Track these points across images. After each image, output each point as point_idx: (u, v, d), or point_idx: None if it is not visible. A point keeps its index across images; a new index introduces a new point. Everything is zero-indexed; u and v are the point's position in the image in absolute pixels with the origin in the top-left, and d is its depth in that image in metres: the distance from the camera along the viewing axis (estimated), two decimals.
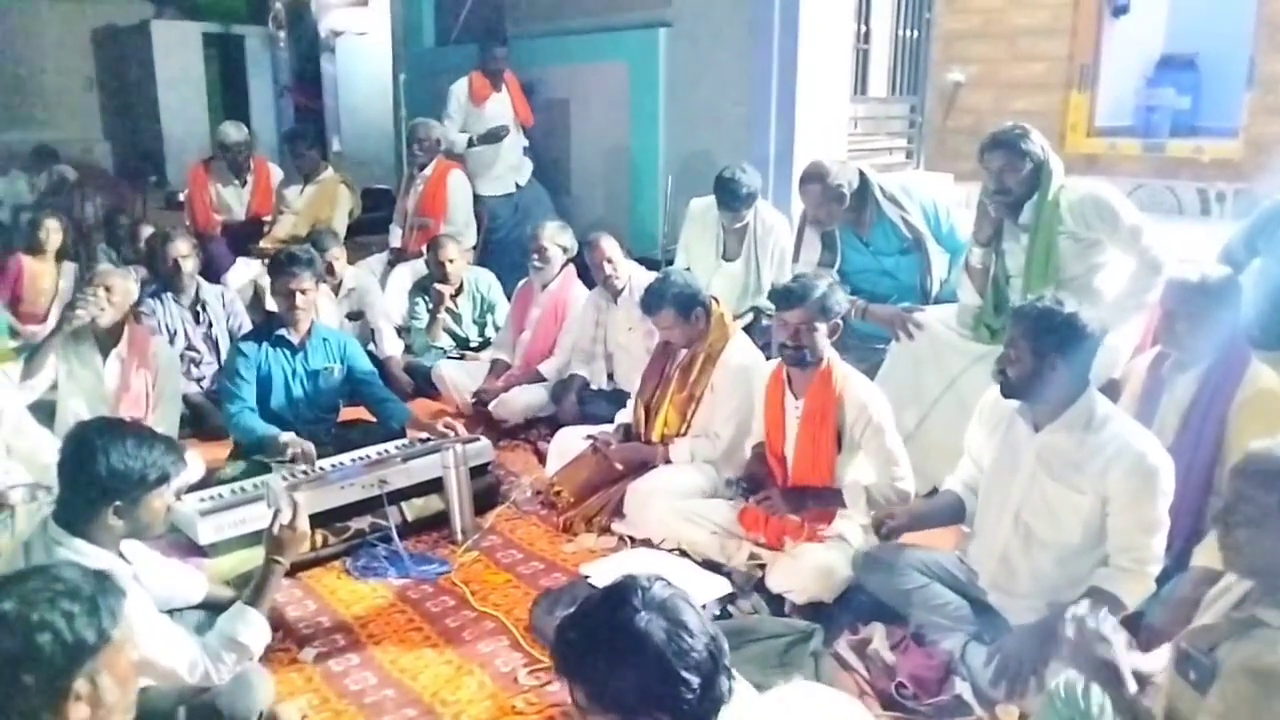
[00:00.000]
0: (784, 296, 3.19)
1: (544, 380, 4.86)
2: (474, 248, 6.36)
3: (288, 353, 4.07)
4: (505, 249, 6.35)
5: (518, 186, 6.65)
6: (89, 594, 1.54)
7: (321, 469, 3.71)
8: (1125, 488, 2.49)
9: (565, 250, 4.98)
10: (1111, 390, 3.41)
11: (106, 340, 3.96)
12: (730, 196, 4.67)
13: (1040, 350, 2.52)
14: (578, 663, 1.51)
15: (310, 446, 3.77)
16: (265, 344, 4.06)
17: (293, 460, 3.69)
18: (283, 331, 4.07)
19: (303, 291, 4.01)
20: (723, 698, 1.50)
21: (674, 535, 3.46)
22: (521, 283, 5.25)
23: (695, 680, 1.45)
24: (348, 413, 4.41)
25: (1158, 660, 2.14)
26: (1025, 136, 3.55)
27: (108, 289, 3.90)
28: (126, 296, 3.98)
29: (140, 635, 2.00)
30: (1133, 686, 1.87)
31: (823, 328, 3.14)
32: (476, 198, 6.39)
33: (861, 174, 4.16)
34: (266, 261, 4.83)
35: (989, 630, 2.70)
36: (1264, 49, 6.70)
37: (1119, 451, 2.50)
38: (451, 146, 6.39)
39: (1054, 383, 2.55)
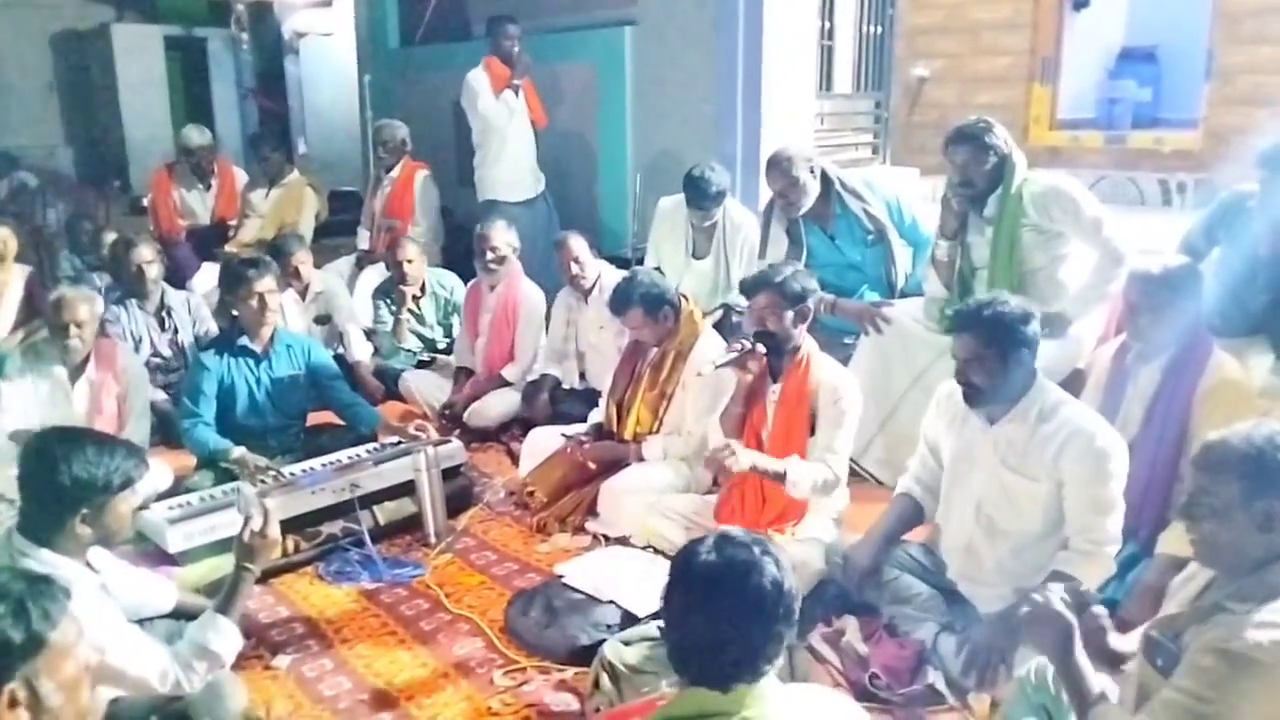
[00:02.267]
0: (749, 284, 3.23)
1: (510, 384, 4.83)
2: (441, 249, 6.31)
3: (251, 362, 4.02)
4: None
5: (536, 193, 6.15)
6: (16, 595, 1.50)
7: (292, 474, 3.69)
8: (1077, 471, 2.52)
9: (515, 250, 4.92)
10: (1076, 380, 3.45)
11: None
12: (700, 195, 4.68)
13: (1006, 353, 2.55)
14: (688, 565, 1.58)
15: (263, 461, 3.74)
16: (227, 355, 4.00)
17: (255, 472, 3.66)
18: (244, 341, 4.01)
19: (269, 293, 3.97)
20: (741, 673, 1.53)
21: (648, 532, 3.46)
22: (470, 284, 5.19)
23: (765, 637, 1.52)
24: (317, 417, 4.38)
25: (1130, 640, 2.16)
26: (989, 130, 3.59)
27: (78, 325, 3.77)
28: (94, 320, 3.87)
29: (108, 645, 1.98)
30: (1083, 661, 1.89)
31: (789, 313, 3.15)
32: (493, 203, 5.95)
33: (823, 170, 4.19)
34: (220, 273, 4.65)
35: (960, 619, 2.72)
36: (1221, 41, 6.81)
37: (1069, 436, 2.54)
38: (505, 125, 5.84)
39: (1015, 380, 2.59)
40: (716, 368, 3.22)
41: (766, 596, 1.52)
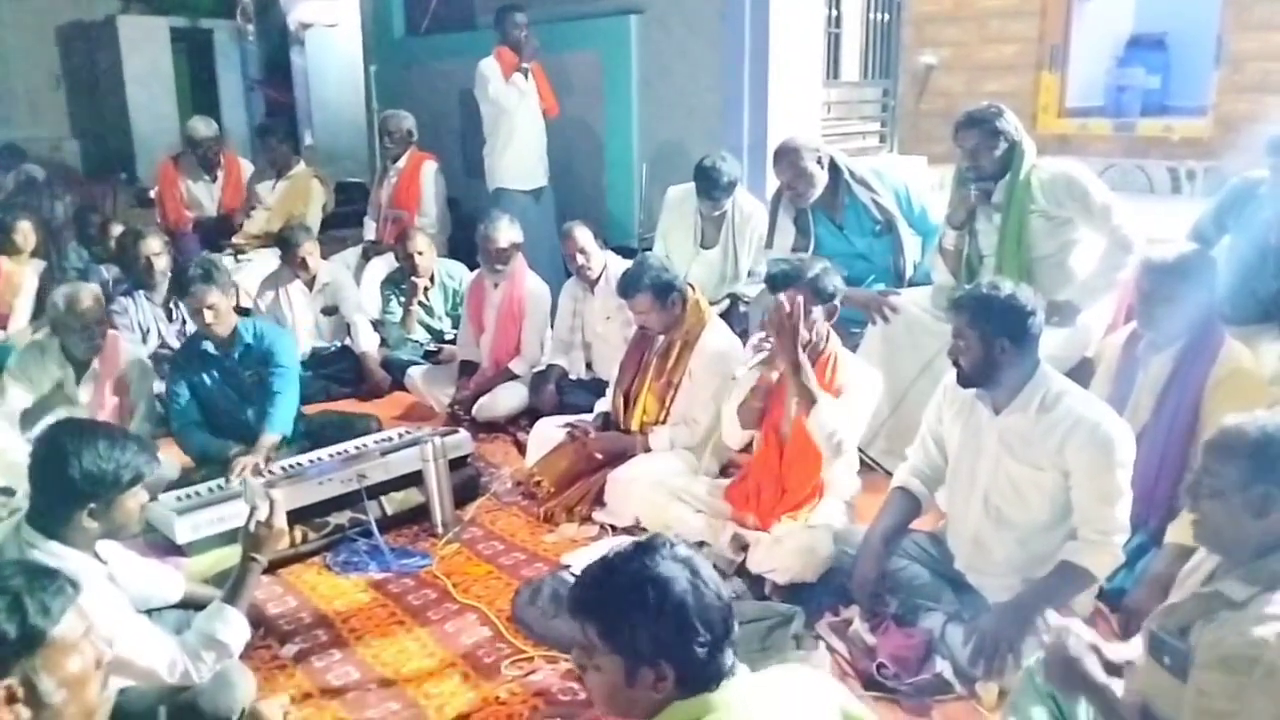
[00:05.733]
0: (780, 277, 3.20)
1: (517, 377, 4.81)
2: (448, 240, 6.30)
3: (217, 363, 3.98)
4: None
5: (545, 182, 6.11)
6: (13, 589, 1.47)
7: (299, 464, 3.70)
8: (1082, 460, 2.51)
9: (518, 244, 4.88)
10: (1085, 369, 3.44)
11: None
12: (711, 185, 4.66)
13: (987, 335, 2.54)
14: (596, 600, 1.52)
15: (259, 460, 3.72)
16: (195, 360, 3.98)
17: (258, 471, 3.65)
18: (206, 345, 3.96)
19: (209, 307, 3.83)
20: (726, 668, 1.50)
21: (659, 516, 3.44)
22: (473, 277, 5.17)
23: (707, 636, 1.47)
24: (323, 406, 4.39)
25: (1135, 649, 2.16)
26: (1000, 116, 3.58)
27: (99, 323, 3.83)
28: (102, 314, 3.90)
29: (116, 636, 1.99)
30: (1112, 691, 1.90)
31: (818, 309, 3.13)
32: (503, 192, 5.95)
33: (831, 159, 4.18)
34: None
35: (968, 608, 2.72)
36: (1231, 27, 6.77)
37: (1074, 425, 2.52)
38: (516, 109, 5.80)
39: (1006, 366, 2.57)
40: (750, 369, 3.21)
41: (685, 601, 1.47)
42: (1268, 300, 3.52)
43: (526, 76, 5.84)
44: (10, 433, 3.59)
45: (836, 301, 3.19)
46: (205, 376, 3.97)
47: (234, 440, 3.88)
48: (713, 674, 1.49)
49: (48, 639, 1.47)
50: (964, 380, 2.66)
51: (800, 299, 3.04)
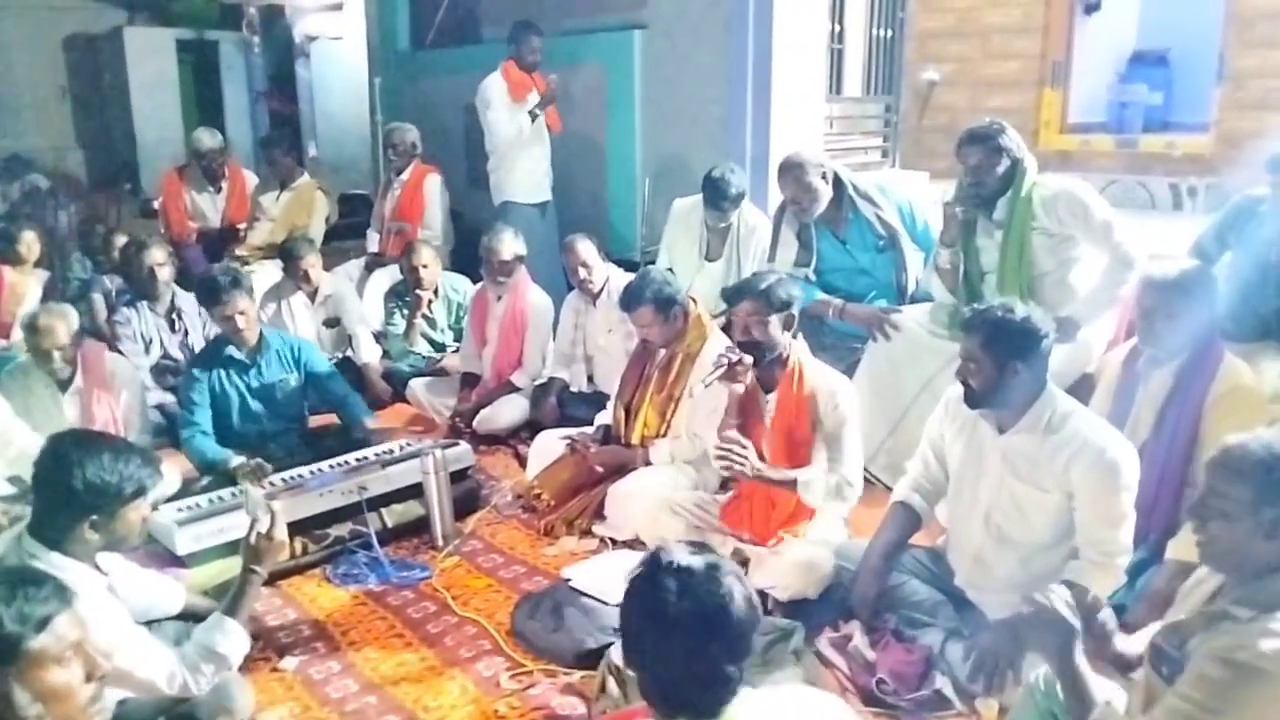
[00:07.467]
0: (731, 293, 3.23)
1: (519, 390, 4.82)
2: (451, 252, 6.31)
3: (240, 370, 4.03)
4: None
5: (550, 196, 6.09)
6: None
7: (300, 476, 3.70)
8: (1088, 482, 2.51)
9: (521, 257, 4.88)
10: (1085, 385, 3.44)
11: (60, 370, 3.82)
12: (719, 196, 4.67)
13: (1000, 359, 2.54)
14: (660, 609, 1.51)
15: (264, 466, 3.74)
16: (216, 365, 4.01)
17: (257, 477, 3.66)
18: (231, 351, 4.01)
19: (241, 313, 3.94)
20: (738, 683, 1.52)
21: (658, 532, 3.43)
22: (475, 289, 5.18)
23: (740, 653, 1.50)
24: (325, 419, 4.39)
25: (1139, 642, 2.15)
26: (1002, 132, 3.59)
27: (59, 349, 3.71)
28: (72, 334, 3.78)
29: (115, 647, 1.99)
30: (1084, 666, 1.88)
31: (774, 319, 3.13)
32: (509, 205, 5.91)
33: (835, 174, 4.19)
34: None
35: (968, 625, 2.71)
36: (1233, 44, 6.79)
37: (1080, 447, 2.52)
38: (512, 141, 5.79)
39: (1016, 388, 2.57)
40: (705, 385, 3.21)
41: (744, 620, 1.50)
42: (1268, 317, 3.53)
43: (534, 120, 5.81)
44: (18, 421, 3.59)
45: (793, 310, 3.18)
46: (225, 382, 4.01)
47: (248, 450, 3.90)
48: (726, 696, 1.51)
49: (23, 650, 1.44)
50: (973, 401, 2.65)
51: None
